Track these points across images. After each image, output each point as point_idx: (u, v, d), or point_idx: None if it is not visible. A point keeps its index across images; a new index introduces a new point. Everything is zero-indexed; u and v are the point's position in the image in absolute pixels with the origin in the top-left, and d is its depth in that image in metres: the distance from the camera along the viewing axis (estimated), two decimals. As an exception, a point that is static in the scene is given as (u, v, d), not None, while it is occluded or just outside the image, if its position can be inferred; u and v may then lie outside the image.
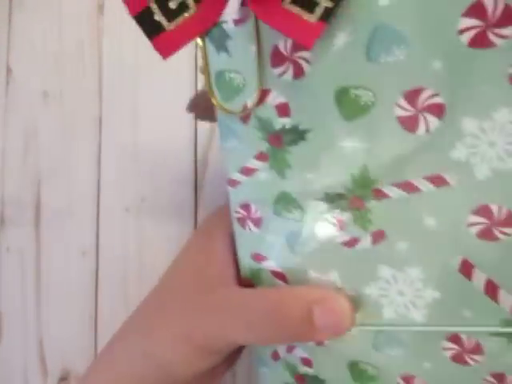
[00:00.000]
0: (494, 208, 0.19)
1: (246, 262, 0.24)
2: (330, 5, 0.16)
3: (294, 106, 0.20)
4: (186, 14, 0.19)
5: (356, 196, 0.20)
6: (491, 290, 0.20)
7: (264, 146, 0.21)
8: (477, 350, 0.21)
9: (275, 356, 0.26)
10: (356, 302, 0.22)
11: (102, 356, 0.28)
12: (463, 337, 0.21)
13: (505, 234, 0.19)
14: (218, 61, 0.21)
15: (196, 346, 0.24)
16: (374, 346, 0.23)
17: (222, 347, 0.24)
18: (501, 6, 0.16)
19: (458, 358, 0.21)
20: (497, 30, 0.17)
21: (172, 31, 0.19)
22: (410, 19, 0.17)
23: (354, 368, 0.24)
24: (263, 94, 0.20)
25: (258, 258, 0.24)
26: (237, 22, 0.19)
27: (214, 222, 0.28)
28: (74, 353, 0.36)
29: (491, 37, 0.17)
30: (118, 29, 0.36)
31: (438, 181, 0.19)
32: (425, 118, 0.18)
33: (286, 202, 0.22)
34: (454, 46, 0.17)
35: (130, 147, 0.37)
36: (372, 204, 0.20)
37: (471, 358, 0.21)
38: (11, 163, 0.39)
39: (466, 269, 0.20)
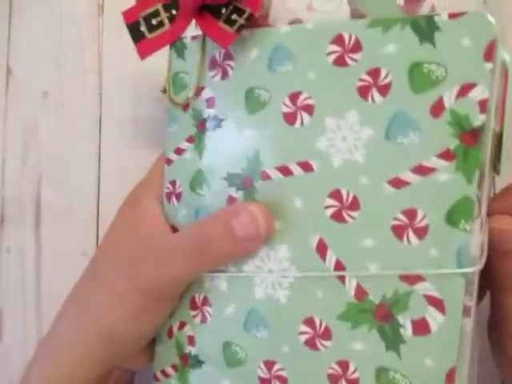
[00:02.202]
0: (344, 192, 0.24)
1: None
2: (243, 23, 0.25)
3: (218, 100, 0.27)
4: (162, 29, 0.28)
5: (248, 176, 0.26)
6: (339, 271, 0.24)
7: (193, 131, 0.28)
8: (326, 334, 0.24)
9: (170, 333, 0.29)
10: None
11: (47, 335, 0.29)
12: (316, 320, 0.24)
13: (351, 216, 0.24)
14: (176, 64, 0.28)
15: (141, 293, 0.25)
16: (245, 326, 0.26)
17: (164, 288, 0.25)
18: (353, 38, 0.24)
19: (310, 343, 0.24)
20: (350, 55, 0.24)
21: (150, 39, 0.28)
22: (298, 43, 0.25)
23: (227, 349, 0.26)
24: (199, 90, 0.28)
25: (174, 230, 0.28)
26: (193, 38, 0.28)
27: (139, 190, 0.29)
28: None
29: (347, 59, 0.24)
30: (118, 29, 0.36)
31: (305, 166, 0.24)
32: (300, 115, 0.25)
33: (199, 179, 0.27)
34: (323, 63, 0.24)
35: (131, 147, 0.37)
36: (259, 184, 0.25)
37: (321, 343, 0.24)
38: (11, 163, 0.39)
39: (321, 248, 0.24)
